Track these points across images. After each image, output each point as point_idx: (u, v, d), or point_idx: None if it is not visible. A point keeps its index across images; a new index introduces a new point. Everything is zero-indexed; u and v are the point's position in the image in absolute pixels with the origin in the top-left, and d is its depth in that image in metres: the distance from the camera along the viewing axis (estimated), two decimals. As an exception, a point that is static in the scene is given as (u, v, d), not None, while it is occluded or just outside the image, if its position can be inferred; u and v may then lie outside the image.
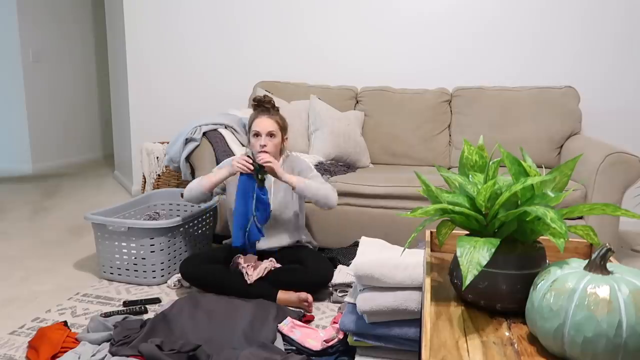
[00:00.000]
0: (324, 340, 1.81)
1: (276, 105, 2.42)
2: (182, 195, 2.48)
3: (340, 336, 1.79)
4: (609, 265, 0.87)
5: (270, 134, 2.32)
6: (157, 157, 3.37)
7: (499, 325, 0.95)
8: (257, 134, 2.33)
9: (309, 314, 2.15)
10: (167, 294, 2.34)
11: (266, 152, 2.27)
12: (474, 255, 0.90)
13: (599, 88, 3.32)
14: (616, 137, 3.34)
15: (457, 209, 1.00)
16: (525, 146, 3.06)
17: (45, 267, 2.66)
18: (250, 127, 2.38)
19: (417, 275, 1.57)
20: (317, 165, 2.92)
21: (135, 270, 2.42)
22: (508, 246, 1.02)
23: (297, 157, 2.50)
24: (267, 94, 2.39)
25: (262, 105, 2.38)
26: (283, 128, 2.38)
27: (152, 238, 2.38)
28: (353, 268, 1.61)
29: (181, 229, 2.52)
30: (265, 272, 2.26)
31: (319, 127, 3.10)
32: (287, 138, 2.42)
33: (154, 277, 2.43)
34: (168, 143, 3.33)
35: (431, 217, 1.06)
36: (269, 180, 2.39)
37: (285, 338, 1.87)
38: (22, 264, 2.70)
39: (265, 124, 2.31)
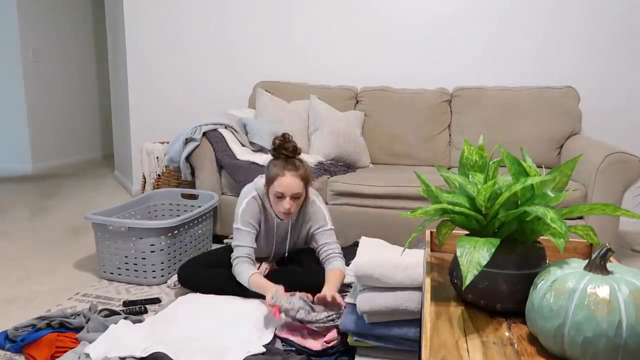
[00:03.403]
0: (324, 341, 1.81)
1: (299, 147, 2.12)
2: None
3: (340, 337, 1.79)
4: (609, 265, 0.87)
5: (296, 197, 2.08)
6: (157, 157, 3.37)
7: (499, 325, 0.95)
8: (280, 195, 2.07)
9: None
10: (167, 294, 2.34)
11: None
12: (474, 255, 0.90)
13: (599, 88, 3.32)
14: (616, 137, 3.34)
15: (457, 209, 1.00)
16: (525, 146, 3.06)
17: (45, 267, 2.66)
18: (271, 180, 2.10)
19: (417, 275, 1.57)
20: (317, 165, 2.91)
21: (135, 270, 2.42)
22: (508, 246, 1.02)
23: (317, 204, 2.23)
24: (287, 133, 2.08)
25: (283, 153, 2.08)
26: (308, 181, 2.12)
27: (152, 238, 2.38)
28: (353, 268, 1.61)
29: (181, 229, 2.52)
30: (266, 272, 2.27)
31: (319, 127, 3.10)
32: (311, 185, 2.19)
33: (154, 277, 2.43)
34: (168, 143, 3.33)
35: (431, 217, 1.06)
36: (286, 225, 2.25)
37: (286, 339, 1.87)
38: (22, 264, 2.70)
39: (292, 185, 2.04)
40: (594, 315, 0.77)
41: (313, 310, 1.87)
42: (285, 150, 2.08)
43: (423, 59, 3.52)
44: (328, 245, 2.20)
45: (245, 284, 2.09)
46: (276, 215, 2.20)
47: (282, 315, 1.90)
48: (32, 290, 2.37)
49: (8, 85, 4.95)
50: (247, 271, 2.09)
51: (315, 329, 1.84)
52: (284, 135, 2.11)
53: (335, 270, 2.11)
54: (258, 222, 2.20)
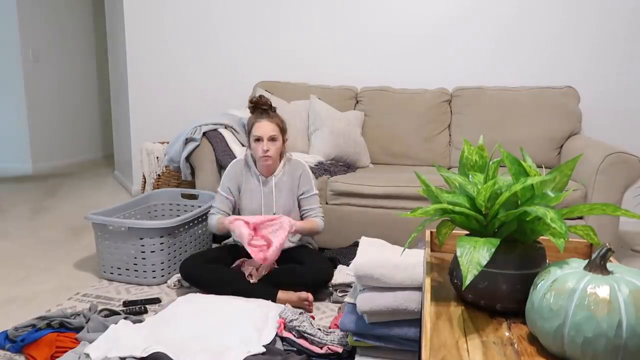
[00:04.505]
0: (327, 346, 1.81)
1: (273, 105, 2.39)
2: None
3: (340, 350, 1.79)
4: (609, 265, 0.87)
5: (272, 138, 2.29)
6: (157, 157, 3.37)
7: (499, 325, 0.95)
8: (258, 139, 2.30)
9: (309, 313, 2.15)
10: (167, 294, 2.34)
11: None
12: (474, 255, 0.90)
13: (599, 88, 3.32)
14: (616, 137, 3.34)
15: (457, 209, 1.00)
16: (525, 146, 3.06)
17: (45, 266, 2.66)
18: (250, 131, 2.35)
19: (417, 275, 1.57)
20: (317, 165, 2.91)
21: (135, 270, 2.42)
22: (508, 246, 1.02)
23: (303, 164, 2.44)
24: (263, 94, 2.37)
25: (260, 107, 2.35)
26: (283, 130, 2.36)
27: (152, 238, 2.38)
28: (353, 268, 1.61)
29: (181, 229, 2.52)
30: (267, 271, 2.27)
31: (319, 127, 3.10)
32: (287, 139, 2.40)
33: (154, 277, 2.43)
34: (168, 143, 3.33)
35: (431, 217, 1.06)
36: (270, 183, 2.38)
37: (286, 339, 1.87)
38: (22, 264, 2.70)
39: (266, 128, 2.28)
40: (594, 315, 0.77)
41: (318, 330, 1.87)
42: (261, 106, 2.33)
43: (423, 59, 3.52)
44: (312, 210, 2.39)
45: (214, 229, 2.38)
46: (260, 173, 2.38)
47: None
48: (32, 290, 2.37)
49: (8, 85, 4.95)
50: (214, 219, 2.37)
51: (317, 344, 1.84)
52: (260, 96, 2.38)
53: (311, 219, 2.37)
54: (239, 184, 2.41)
